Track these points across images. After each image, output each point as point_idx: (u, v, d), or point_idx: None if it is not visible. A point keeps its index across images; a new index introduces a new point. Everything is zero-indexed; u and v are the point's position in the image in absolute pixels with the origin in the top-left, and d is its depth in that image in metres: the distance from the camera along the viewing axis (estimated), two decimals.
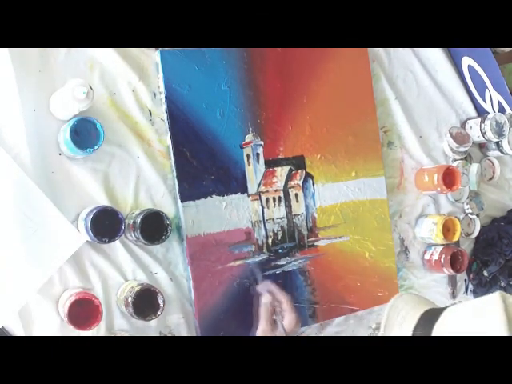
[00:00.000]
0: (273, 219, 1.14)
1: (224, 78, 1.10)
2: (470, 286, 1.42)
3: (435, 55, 1.38)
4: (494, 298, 0.67)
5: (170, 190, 1.06)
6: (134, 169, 1.03)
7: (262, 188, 1.13)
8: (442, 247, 1.33)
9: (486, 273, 1.38)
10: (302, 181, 1.17)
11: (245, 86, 1.12)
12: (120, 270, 1.00)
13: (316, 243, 1.18)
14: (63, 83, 0.91)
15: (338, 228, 1.21)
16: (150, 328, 1.02)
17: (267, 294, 1.05)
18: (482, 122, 1.37)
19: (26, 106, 0.93)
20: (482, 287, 1.40)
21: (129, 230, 0.98)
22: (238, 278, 1.09)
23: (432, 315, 0.74)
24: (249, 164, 1.12)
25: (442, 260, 1.30)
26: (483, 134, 1.37)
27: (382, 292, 1.26)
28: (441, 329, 0.72)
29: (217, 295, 1.07)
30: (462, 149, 1.36)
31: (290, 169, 1.16)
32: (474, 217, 1.41)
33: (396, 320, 0.79)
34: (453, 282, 1.39)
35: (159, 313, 0.98)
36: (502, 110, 1.40)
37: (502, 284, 1.40)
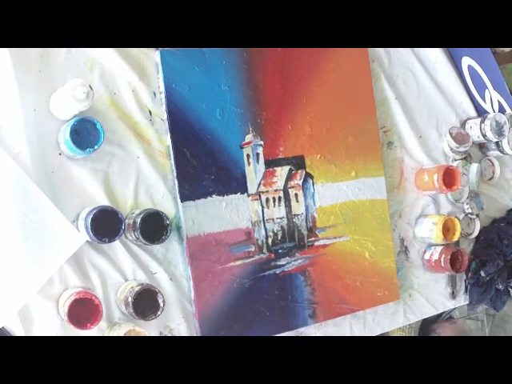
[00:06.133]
0: (273, 219, 1.14)
1: (224, 77, 1.10)
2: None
3: (435, 55, 1.38)
4: None
5: (170, 190, 1.06)
6: (134, 169, 1.03)
7: (262, 188, 1.13)
8: (441, 247, 1.33)
9: (483, 273, 1.38)
10: (301, 181, 1.17)
11: (245, 86, 1.12)
12: (120, 270, 1.00)
13: (316, 243, 1.18)
14: (63, 83, 0.91)
15: (338, 228, 1.21)
16: (150, 328, 1.02)
17: None
18: (482, 121, 1.37)
19: (25, 105, 0.93)
20: (478, 287, 1.39)
21: (129, 229, 0.98)
22: (238, 277, 1.09)
23: None
24: (249, 164, 1.12)
25: (442, 260, 1.31)
26: (483, 134, 1.37)
27: (382, 292, 1.26)
28: None
29: (217, 295, 1.07)
30: (461, 149, 1.37)
31: (290, 169, 1.16)
32: (474, 217, 1.41)
33: None
34: (453, 281, 1.39)
35: (159, 313, 0.98)
36: (501, 110, 1.40)
37: (500, 286, 1.40)
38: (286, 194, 1.16)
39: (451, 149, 1.38)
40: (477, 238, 1.43)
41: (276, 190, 1.15)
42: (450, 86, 1.41)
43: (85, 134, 0.94)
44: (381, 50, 1.31)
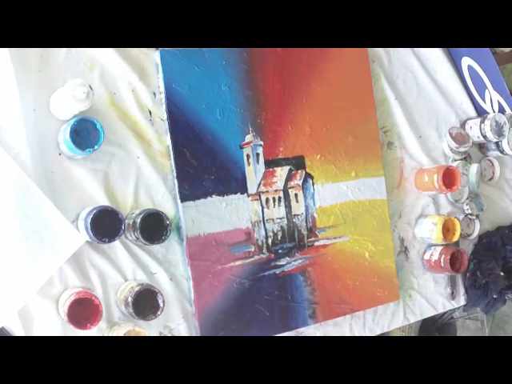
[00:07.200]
0: (273, 219, 1.14)
1: (224, 78, 1.10)
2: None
3: (435, 55, 1.38)
4: None
5: (170, 190, 1.06)
6: (134, 169, 1.03)
7: (262, 188, 1.13)
8: (441, 247, 1.33)
9: (479, 273, 1.38)
10: (301, 181, 1.17)
11: (245, 86, 1.12)
12: (120, 270, 1.00)
13: (316, 243, 1.18)
14: (63, 83, 0.91)
15: (338, 228, 1.21)
16: (150, 328, 1.02)
17: None
18: (482, 122, 1.37)
19: (25, 105, 0.93)
20: (475, 289, 1.39)
21: (129, 229, 0.98)
22: (237, 278, 1.09)
23: None
24: (249, 164, 1.12)
25: (442, 260, 1.30)
26: (483, 134, 1.37)
27: (382, 292, 1.26)
28: None
29: (217, 295, 1.07)
30: (461, 149, 1.37)
31: (290, 169, 1.16)
32: (474, 218, 1.41)
33: None
34: (452, 282, 1.39)
35: (159, 313, 0.98)
36: (501, 110, 1.40)
37: (494, 295, 1.39)
38: (286, 194, 1.16)
39: (451, 149, 1.38)
40: (479, 240, 1.43)
41: (276, 191, 1.15)
42: (450, 86, 1.41)
43: (85, 134, 0.94)
44: (381, 50, 1.31)
